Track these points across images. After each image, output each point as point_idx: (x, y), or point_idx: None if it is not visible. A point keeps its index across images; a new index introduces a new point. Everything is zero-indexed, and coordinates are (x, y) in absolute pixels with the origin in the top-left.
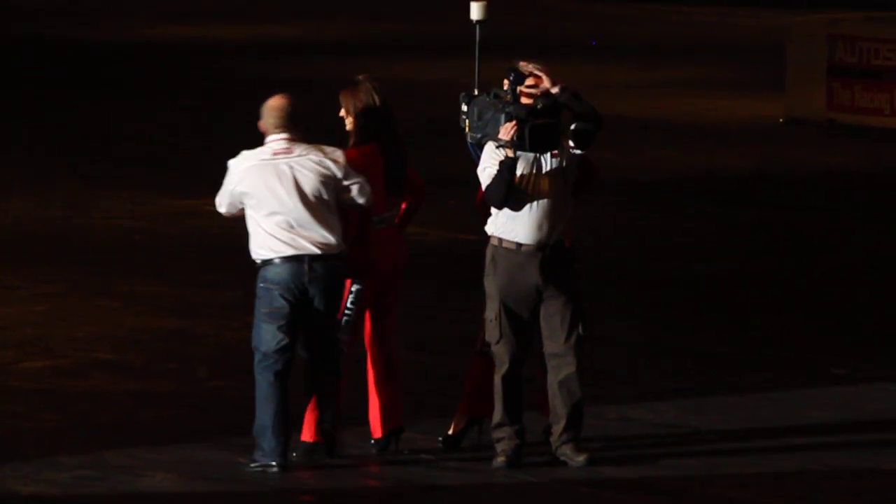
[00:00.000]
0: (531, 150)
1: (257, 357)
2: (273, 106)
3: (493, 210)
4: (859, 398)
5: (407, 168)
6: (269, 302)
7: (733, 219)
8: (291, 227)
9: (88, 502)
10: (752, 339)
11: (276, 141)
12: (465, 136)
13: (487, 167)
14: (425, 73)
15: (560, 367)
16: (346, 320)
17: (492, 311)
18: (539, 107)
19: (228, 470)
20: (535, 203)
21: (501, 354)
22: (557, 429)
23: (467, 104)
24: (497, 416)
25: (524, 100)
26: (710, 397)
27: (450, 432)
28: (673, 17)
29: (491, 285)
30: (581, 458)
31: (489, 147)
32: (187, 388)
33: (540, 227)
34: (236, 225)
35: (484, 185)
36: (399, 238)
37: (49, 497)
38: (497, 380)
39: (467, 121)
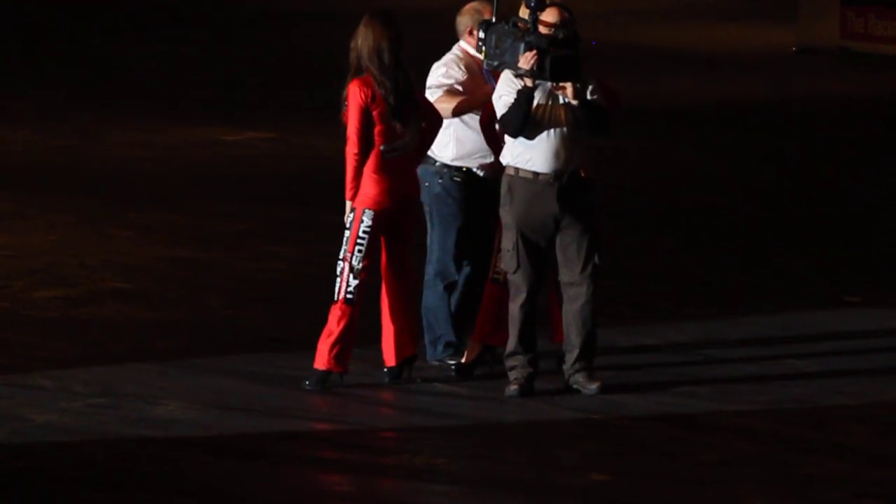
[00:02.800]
0: (552, 80)
1: None
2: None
3: (508, 139)
4: (871, 325)
5: (413, 99)
6: None
7: (746, 148)
8: None
9: (101, 430)
10: (765, 268)
11: None
12: (481, 63)
13: (503, 95)
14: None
15: (575, 296)
16: (357, 248)
17: (509, 240)
18: (560, 37)
19: (241, 397)
20: (551, 132)
21: (518, 283)
22: (570, 357)
23: (485, 31)
24: (511, 344)
25: (543, 29)
26: (723, 325)
27: (463, 360)
28: None
29: (507, 215)
30: (594, 386)
31: (506, 75)
32: (200, 316)
33: (557, 156)
34: (248, 154)
35: (500, 113)
36: (412, 168)
37: (62, 425)
38: (514, 308)
39: (484, 48)
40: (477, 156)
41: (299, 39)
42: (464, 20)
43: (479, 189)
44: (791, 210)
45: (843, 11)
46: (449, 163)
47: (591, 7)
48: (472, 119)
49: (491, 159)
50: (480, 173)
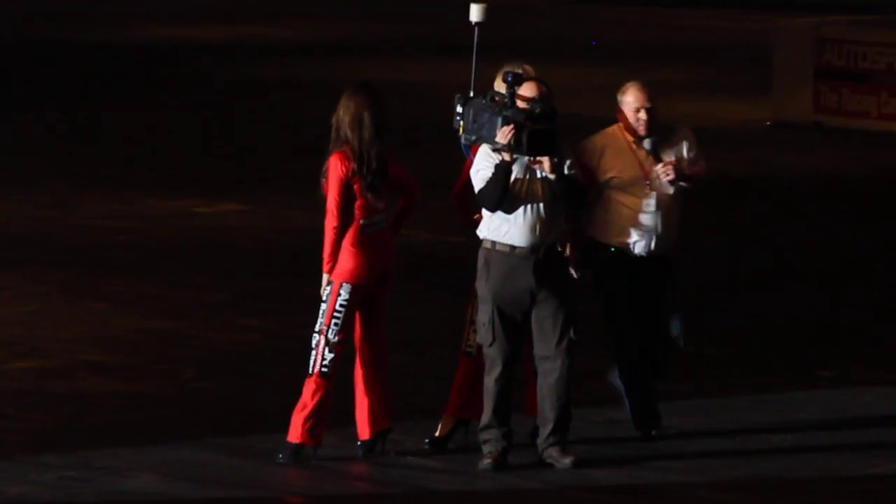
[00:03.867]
0: (529, 155)
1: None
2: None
3: (486, 213)
4: (844, 401)
5: (392, 170)
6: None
7: (720, 222)
8: None
9: (73, 501)
10: (739, 342)
11: None
12: (457, 137)
13: (481, 169)
14: (412, 74)
15: (550, 370)
16: (333, 322)
17: (485, 314)
18: (537, 111)
19: (213, 470)
20: (528, 206)
21: (494, 357)
22: (545, 431)
23: (462, 105)
24: (485, 417)
25: (520, 103)
26: (696, 399)
27: (437, 434)
28: (659, 20)
29: (484, 288)
30: (567, 461)
31: (484, 149)
32: (173, 389)
33: (534, 230)
34: (220, 226)
35: (477, 187)
36: (389, 241)
37: (35, 498)
38: (488, 382)
39: (462, 122)
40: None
41: (272, 110)
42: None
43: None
44: (765, 284)
45: (816, 86)
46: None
47: (567, 81)
48: None
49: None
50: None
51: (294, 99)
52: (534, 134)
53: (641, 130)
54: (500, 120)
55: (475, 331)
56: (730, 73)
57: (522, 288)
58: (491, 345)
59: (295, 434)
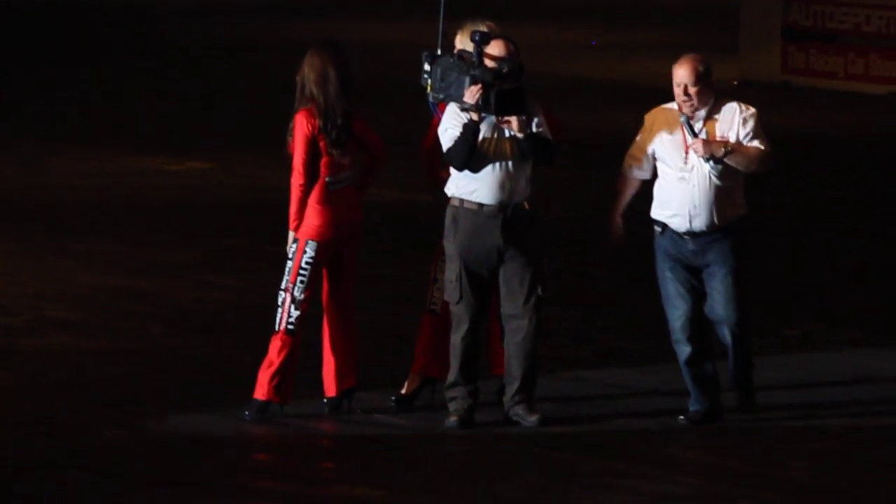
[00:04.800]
0: (497, 114)
1: None
2: None
3: (454, 172)
4: (810, 359)
5: (358, 128)
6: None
7: None
8: None
9: (40, 458)
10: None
11: None
12: (426, 95)
13: (449, 128)
14: (378, 33)
15: (517, 328)
16: (299, 279)
17: (452, 271)
18: (504, 70)
19: (179, 427)
20: (496, 164)
21: (461, 315)
22: (511, 389)
23: (430, 64)
24: (452, 375)
25: (488, 62)
26: (663, 359)
27: (403, 392)
28: None
29: (451, 246)
30: (533, 419)
31: (451, 108)
32: (140, 346)
33: (502, 188)
34: (187, 184)
35: (445, 146)
36: (356, 199)
37: (1, 453)
38: (455, 340)
39: (429, 81)
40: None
41: (241, 70)
42: None
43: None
44: None
45: (784, 46)
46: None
47: (534, 41)
48: None
49: None
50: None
51: (260, 58)
52: (501, 93)
53: (683, 109)
54: (467, 79)
55: (439, 289)
56: (698, 32)
57: (490, 246)
58: (458, 302)
59: (261, 391)
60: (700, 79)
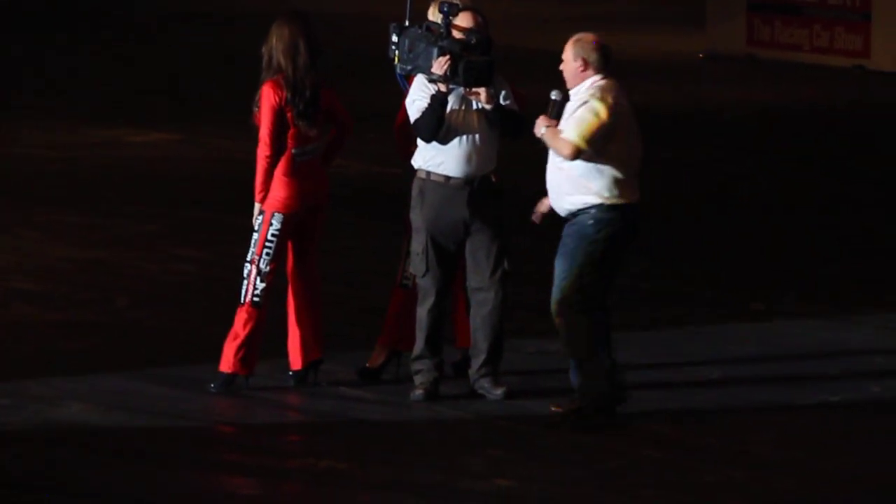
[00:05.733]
0: (465, 86)
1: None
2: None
3: (421, 143)
4: (776, 333)
5: (325, 99)
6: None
7: (651, 155)
8: None
9: (5, 430)
10: (671, 275)
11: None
12: (393, 67)
13: (417, 100)
14: (343, 5)
15: (484, 301)
16: (265, 251)
17: (419, 243)
18: (473, 42)
19: (145, 399)
20: (464, 137)
21: (427, 287)
22: (477, 362)
23: (398, 35)
24: (417, 348)
25: (456, 34)
26: (630, 332)
27: (368, 365)
28: None
29: (418, 218)
30: (499, 392)
31: (419, 80)
32: (106, 318)
33: (469, 161)
34: (153, 156)
35: (413, 117)
36: (321, 171)
37: None
38: (421, 312)
39: (397, 52)
40: None
41: (206, 41)
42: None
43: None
44: (696, 217)
45: (749, 18)
46: None
47: (498, 14)
48: None
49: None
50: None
51: (225, 29)
52: (470, 65)
53: None
54: (435, 50)
55: (411, 263)
56: (663, 4)
57: (456, 218)
58: (424, 275)
59: (227, 364)
60: (565, 59)
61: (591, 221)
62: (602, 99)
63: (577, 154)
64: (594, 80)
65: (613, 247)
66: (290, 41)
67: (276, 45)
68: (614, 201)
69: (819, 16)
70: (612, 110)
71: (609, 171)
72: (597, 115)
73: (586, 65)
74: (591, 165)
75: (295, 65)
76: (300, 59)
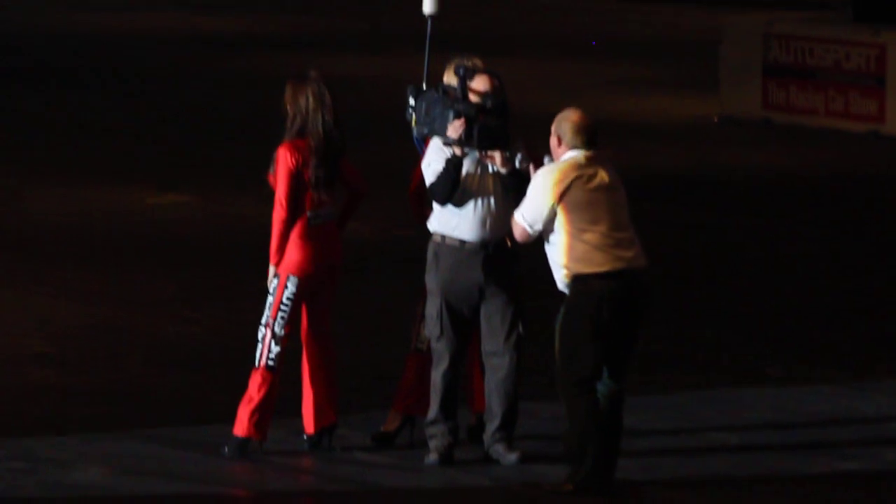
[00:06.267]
0: (480, 150)
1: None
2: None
3: (436, 206)
4: (792, 399)
5: (342, 165)
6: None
7: (668, 218)
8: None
9: (20, 493)
10: (687, 339)
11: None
12: (410, 129)
13: (432, 163)
14: (368, 67)
15: (498, 366)
16: (280, 315)
17: (433, 307)
18: (488, 105)
19: (159, 463)
20: (479, 200)
21: (441, 351)
22: (491, 426)
23: (415, 98)
24: (432, 412)
25: (473, 97)
26: (645, 397)
27: (383, 429)
28: (608, 14)
29: (433, 282)
30: (513, 456)
31: (435, 143)
32: (119, 381)
33: (484, 225)
34: (168, 217)
35: (428, 181)
36: (336, 234)
37: None
38: (435, 376)
39: (414, 115)
40: None
41: (219, 101)
42: None
43: None
44: (712, 281)
45: (764, 82)
46: None
47: (517, 77)
48: None
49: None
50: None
51: (240, 90)
52: (485, 128)
53: None
54: (451, 114)
55: (425, 326)
56: (678, 68)
57: (471, 282)
58: (439, 339)
59: (241, 427)
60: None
61: (571, 294)
62: (546, 174)
63: (522, 231)
64: (567, 156)
65: (599, 317)
66: (315, 103)
67: (303, 106)
68: (585, 270)
69: (834, 80)
70: (557, 185)
71: (578, 244)
72: (535, 190)
73: (560, 141)
74: (559, 239)
75: (324, 128)
76: (328, 123)
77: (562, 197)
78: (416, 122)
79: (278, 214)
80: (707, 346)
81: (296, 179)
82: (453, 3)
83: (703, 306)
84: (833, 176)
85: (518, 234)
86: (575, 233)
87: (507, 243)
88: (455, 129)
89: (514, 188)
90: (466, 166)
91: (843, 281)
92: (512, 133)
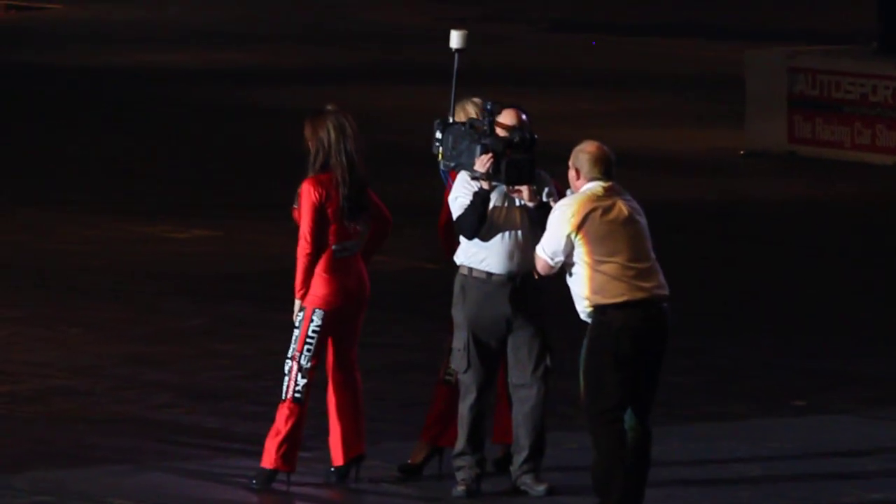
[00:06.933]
0: (507, 184)
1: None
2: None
3: (463, 240)
4: (818, 430)
5: (367, 197)
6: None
7: (693, 251)
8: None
9: None
10: (712, 369)
11: None
12: (436, 163)
13: (459, 196)
14: (391, 99)
15: (525, 398)
16: (306, 348)
17: (460, 340)
18: (516, 140)
19: (186, 496)
20: (506, 234)
21: (469, 384)
22: (519, 458)
23: (442, 132)
24: (460, 444)
25: (500, 131)
26: (670, 427)
27: (410, 461)
28: (633, 48)
29: (459, 314)
30: (541, 488)
31: (462, 177)
32: (146, 415)
33: (511, 258)
34: (194, 251)
35: (455, 214)
36: (361, 267)
37: None
38: (463, 409)
39: (441, 148)
40: None
41: (242, 135)
42: None
43: None
44: (737, 312)
45: (790, 115)
46: None
47: (545, 109)
48: None
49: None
50: None
51: (265, 125)
52: (512, 163)
53: None
54: (478, 148)
55: (452, 359)
56: (703, 102)
57: (498, 315)
58: (466, 371)
59: (268, 460)
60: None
61: (592, 325)
62: (563, 207)
63: (544, 263)
64: (585, 188)
65: (619, 348)
66: (339, 138)
67: (328, 141)
68: (604, 301)
69: (859, 113)
70: (574, 217)
71: (597, 275)
72: (553, 223)
73: (578, 173)
74: (579, 270)
75: (350, 161)
76: (348, 156)
77: (579, 228)
78: (442, 156)
79: (303, 249)
80: (729, 376)
81: (319, 214)
82: (477, 37)
83: (727, 337)
84: (859, 208)
85: (540, 266)
86: (594, 264)
87: (533, 276)
88: (482, 163)
89: (541, 222)
90: (493, 200)
91: (867, 311)
92: (539, 167)
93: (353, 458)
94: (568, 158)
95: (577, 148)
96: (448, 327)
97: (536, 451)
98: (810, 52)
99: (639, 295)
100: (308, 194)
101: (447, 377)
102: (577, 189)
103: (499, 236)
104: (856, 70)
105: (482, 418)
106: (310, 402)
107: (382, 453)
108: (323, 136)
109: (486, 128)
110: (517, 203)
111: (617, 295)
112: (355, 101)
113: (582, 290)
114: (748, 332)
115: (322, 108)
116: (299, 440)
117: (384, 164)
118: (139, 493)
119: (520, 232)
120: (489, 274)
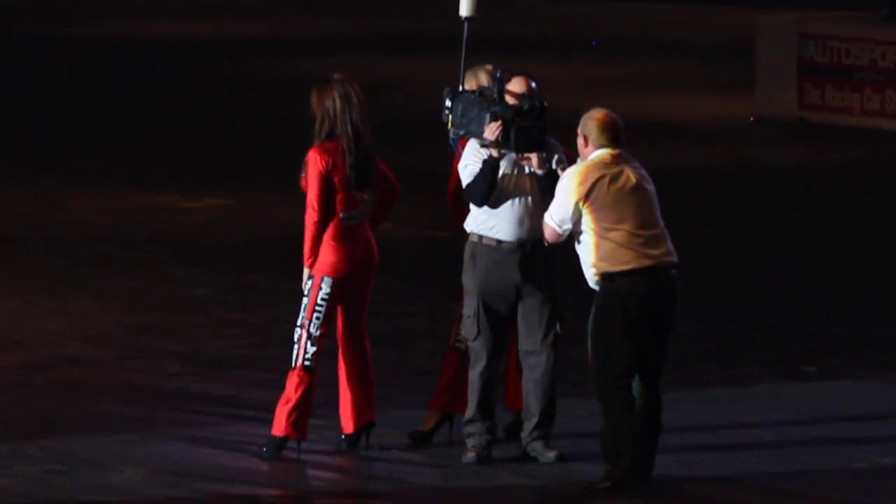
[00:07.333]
0: (516, 151)
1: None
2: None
3: (473, 207)
4: (828, 395)
5: (373, 166)
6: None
7: (704, 218)
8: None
9: (58, 495)
10: (723, 336)
11: None
12: (446, 131)
13: (469, 164)
14: (401, 69)
15: (535, 365)
16: (315, 315)
17: (470, 307)
18: (525, 108)
19: (197, 464)
20: (516, 200)
21: (479, 351)
22: (529, 425)
23: (451, 100)
24: (470, 411)
25: (509, 99)
26: (681, 393)
27: (421, 428)
28: (642, 14)
29: (469, 282)
30: (551, 455)
31: (472, 144)
32: (156, 383)
33: (521, 225)
34: (203, 220)
35: (465, 182)
36: (370, 235)
37: (19, 490)
38: (473, 376)
39: (450, 116)
40: None
41: (253, 106)
42: None
43: None
44: (749, 279)
45: (800, 82)
46: None
47: (554, 77)
48: None
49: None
50: None
51: (274, 95)
52: (522, 130)
53: None
54: (488, 116)
55: (462, 326)
56: (713, 68)
57: (508, 282)
58: (476, 338)
59: (279, 427)
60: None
61: (600, 292)
62: (570, 175)
63: (552, 231)
64: (593, 155)
65: (627, 315)
66: (344, 106)
67: (333, 109)
68: (612, 269)
69: (869, 79)
70: (581, 186)
71: (605, 242)
72: (561, 191)
73: (586, 140)
74: (587, 238)
75: (355, 129)
76: (357, 126)
77: (586, 197)
78: (451, 124)
79: (310, 217)
80: (738, 342)
81: (326, 182)
82: (487, 4)
83: (738, 303)
84: (869, 174)
85: (548, 234)
86: (601, 232)
87: (543, 243)
88: (492, 130)
89: (550, 189)
90: (503, 167)
91: (878, 277)
92: (549, 134)
93: (364, 425)
94: (577, 126)
95: (586, 115)
96: (458, 295)
97: (546, 417)
98: (821, 19)
99: (646, 262)
100: (314, 163)
101: (457, 344)
102: (586, 156)
103: (508, 203)
104: (866, 36)
105: (492, 385)
106: (320, 370)
107: (393, 420)
108: (328, 104)
109: (495, 95)
110: (527, 171)
111: (624, 262)
112: (367, 70)
113: (589, 258)
114: (755, 297)
115: (327, 76)
116: (310, 408)
117: (393, 131)
118: (150, 461)
119: (529, 199)
120: (499, 241)
